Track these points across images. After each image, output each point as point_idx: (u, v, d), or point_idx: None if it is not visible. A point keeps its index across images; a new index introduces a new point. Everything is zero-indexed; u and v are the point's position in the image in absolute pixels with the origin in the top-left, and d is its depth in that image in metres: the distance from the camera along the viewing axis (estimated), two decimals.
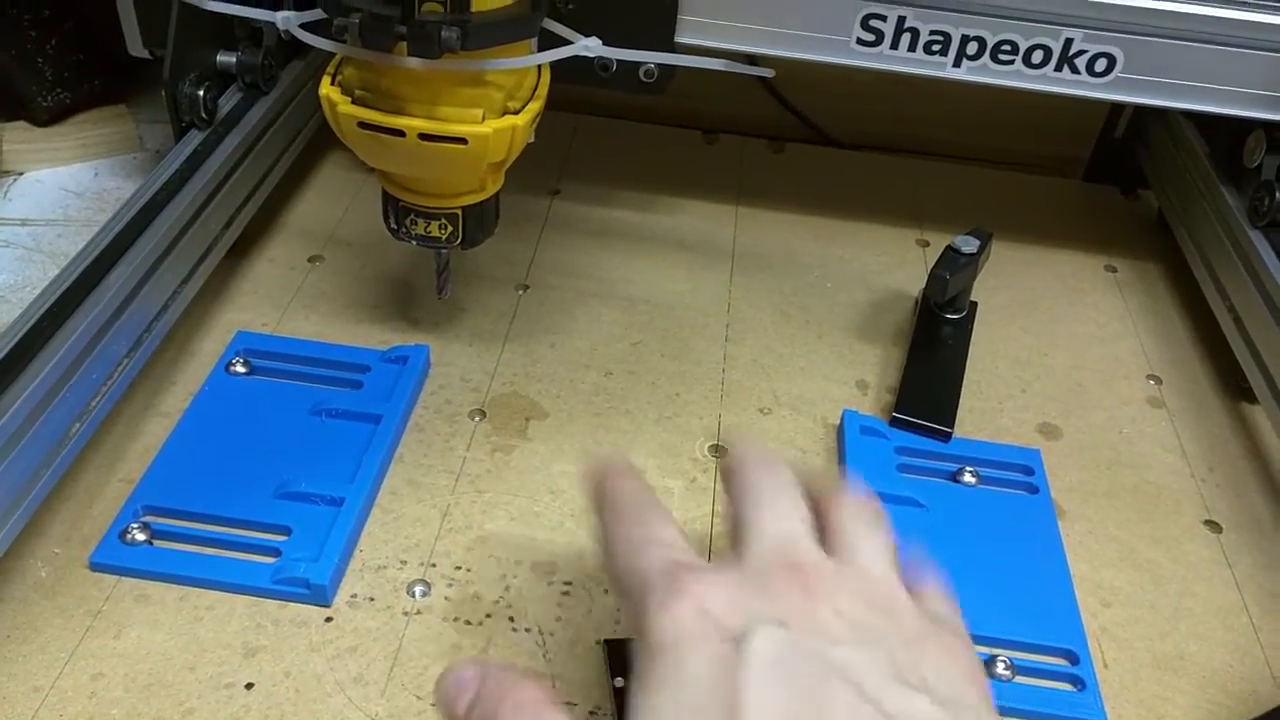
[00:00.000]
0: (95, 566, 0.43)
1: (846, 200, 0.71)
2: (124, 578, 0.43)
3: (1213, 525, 0.51)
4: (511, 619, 0.43)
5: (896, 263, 0.66)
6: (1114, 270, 0.68)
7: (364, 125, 0.44)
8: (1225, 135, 0.63)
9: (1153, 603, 0.47)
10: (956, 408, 0.54)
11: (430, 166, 0.45)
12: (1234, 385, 0.59)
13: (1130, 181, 0.76)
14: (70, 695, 0.39)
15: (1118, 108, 0.74)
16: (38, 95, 0.71)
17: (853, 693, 0.28)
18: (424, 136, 0.43)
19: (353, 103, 0.44)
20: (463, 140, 0.43)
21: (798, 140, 0.78)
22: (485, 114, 0.44)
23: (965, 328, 0.58)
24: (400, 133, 0.43)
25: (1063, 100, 0.56)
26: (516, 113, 0.45)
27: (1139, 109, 0.73)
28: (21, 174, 0.70)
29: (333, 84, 0.45)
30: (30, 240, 0.64)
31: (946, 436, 0.52)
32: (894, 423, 0.53)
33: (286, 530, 0.45)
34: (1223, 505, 0.52)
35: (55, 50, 0.71)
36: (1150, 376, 0.60)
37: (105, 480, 0.47)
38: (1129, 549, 0.49)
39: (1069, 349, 0.61)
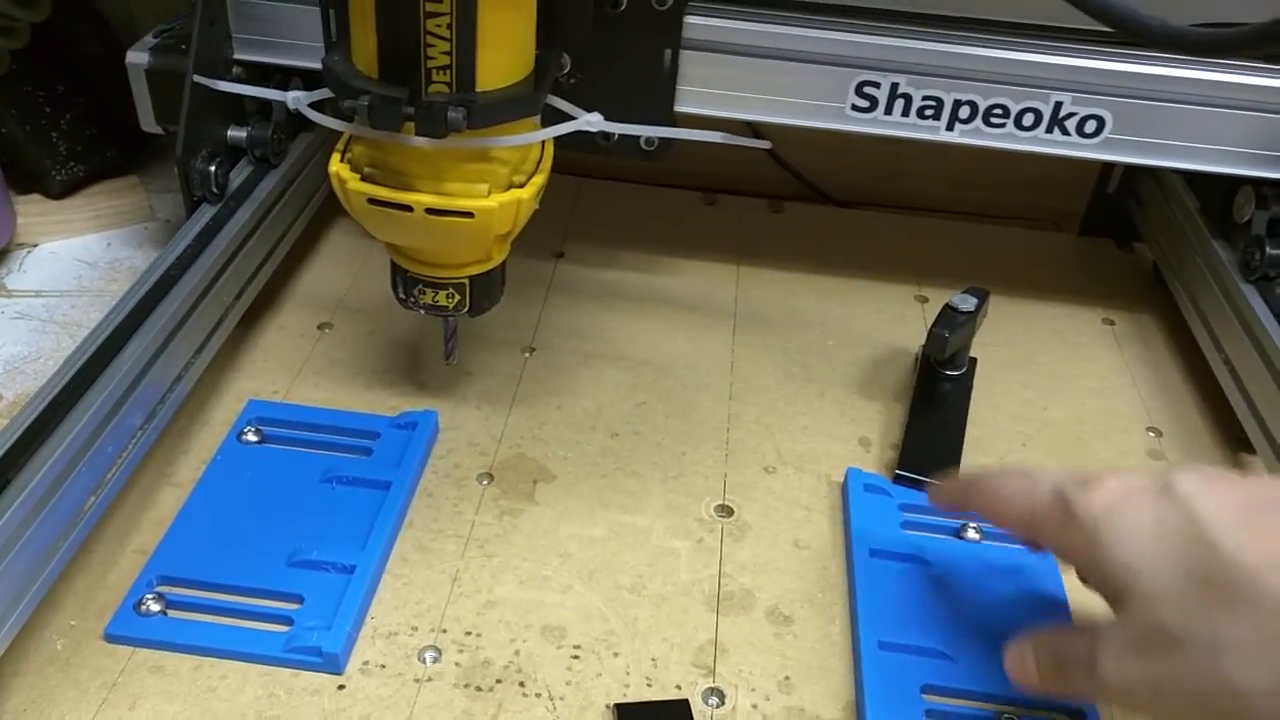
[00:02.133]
0: (110, 638, 0.44)
1: (846, 258, 0.73)
2: (139, 649, 0.44)
3: None
4: (522, 684, 0.44)
5: (896, 319, 0.67)
6: (1111, 323, 0.69)
7: (373, 201, 0.45)
8: (1215, 191, 0.64)
9: None
10: (959, 463, 0.55)
11: (437, 239, 0.47)
12: (1232, 436, 0.60)
13: (1125, 235, 0.77)
14: None
15: (1110, 164, 0.75)
16: (51, 169, 0.73)
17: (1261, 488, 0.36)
18: (431, 211, 0.44)
19: (362, 180, 0.45)
20: (469, 214, 0.45)
21: (796, 199, 0.79)
22: (491, 189, 0.45)
23: (964, 383, 0.59)
24: (408, 208, 0.44)
25: (1056, 158, 0.58)
26: (521, 186, 0.46)
27: (1129, 166, 0.74)
28: (36, 245, 0.71)
29: (342, 161, 0.46)
30: (44, 312, 0.65)
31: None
32: (897, 480, 0.54)
33: (299, 599, 0.45)
34: None
35: (68, 125, 0.73)
36: (1150, 429, 0.60)
37: (119, 551, 0.48)
38: None
39: (1068, 402, 0.62)
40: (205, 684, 0.42)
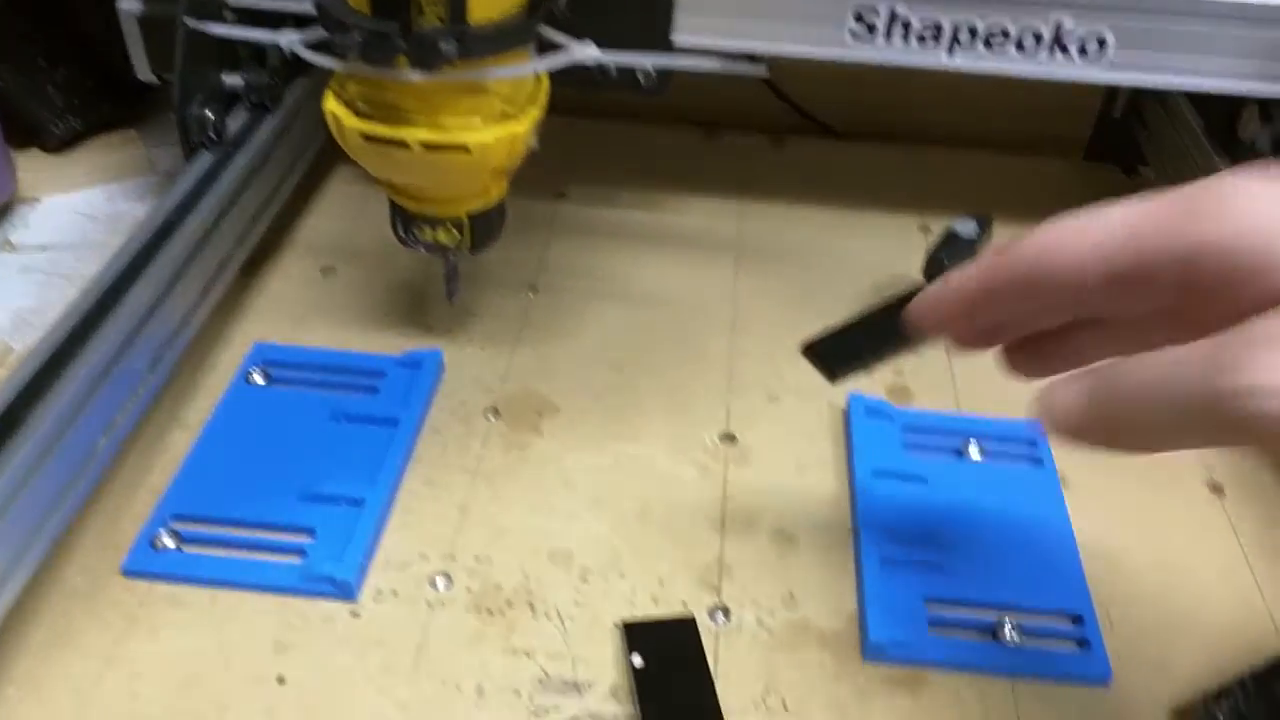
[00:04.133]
0: (128, 573, 0.45)
1: (848, 191, 0.72)
2: (156, 583, 0.45)
3: (1215, 488, 0.52)
4: (532, 605, 0.45)
5: (899, 249, 0.67)
6: None
7: (368, 138, 0.45)
8: (1220, 111, 0.64)
9: (1156, 564, 0.48)
10: (862, 365, 0.54)
11: (434, 175, 0.47)
12: None
13: (1131, 160, 0.76)
14: (111, 695, 0.40)
15: (1114, 89, 0.75)
16: (49, 123, 0.73)
17: None
18: (427, 146, 0.45)
19: (356, 116, 0.45)
20: (465, 148, 0.45)
21: (798, 134, 0.79)
22: (486, 122, 0.45)
23: None
24: (404, 144, 0.45)
25: (1058, 81, 0.57)
26: (516, 119, 0.46)
27: (1134, 90, 0.74)
28: (38, 200, 0.72)
29: (336, 100, 0.46)
30: (49, 265, 0.66)
31: (833, 379, 0.51)
32: (803, 353, 0.53)
33: (311, 531, 0.46)
34: (1226, 468, 0.53)
35: (65, 78, 0.73)
36: None
37: (134, 491, 0.49)
38: (1133, 514, 0.50)
39: None
40: (222, 614, 0.44)
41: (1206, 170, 0.63)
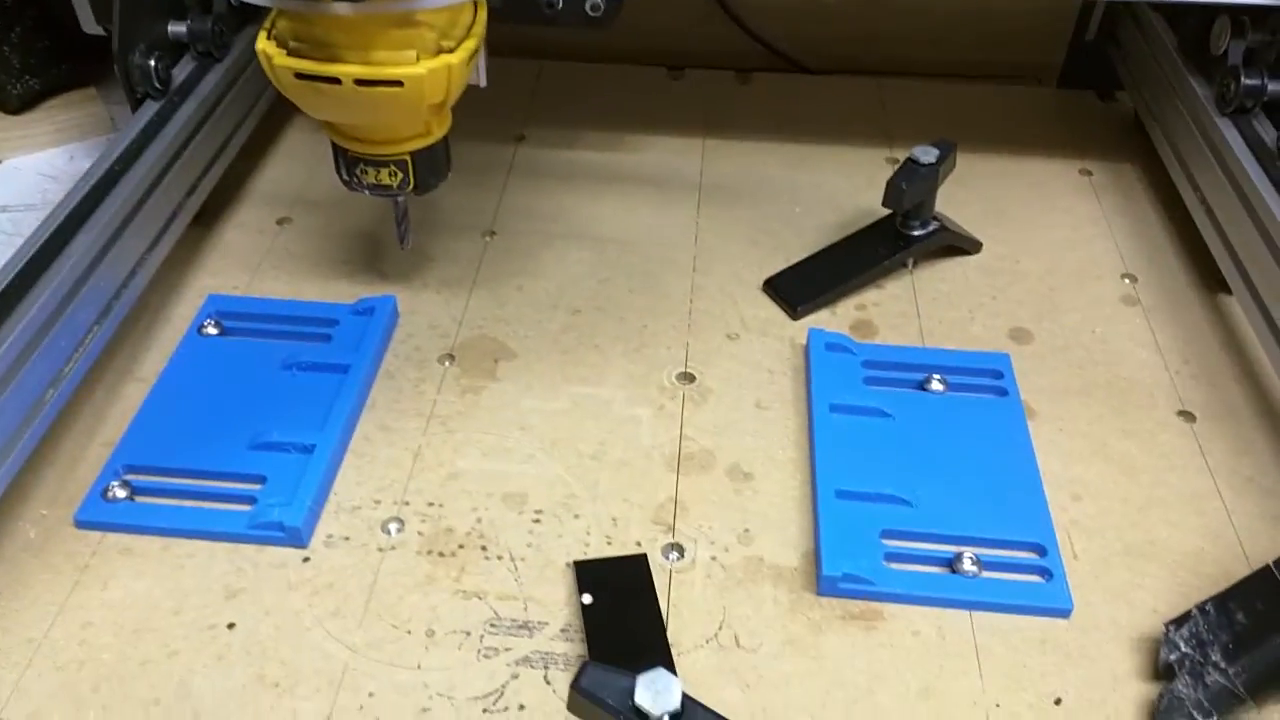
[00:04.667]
0: (80, 524, 0.45)
1: (816, 125, 0.71)
2: (108, 533, 0.44)
3: (1186, 415, 0.51)
4: (484, 548, 0.44)
5: (865, 183, 0.66)
6: (1089, 174, 0.67)
7: (300, 76, 0.44)
8: (1193, 25, 0.62)
9: (1124, 494, 0.47)
10: (824, 299, 0.56)
11: (370, 112, 0.46)
12: (1210, 278, 0.59)
13: (1106, 85, 0.75)
14: (62, 644, 0.40)
15: (1087, 9, 0.73)
16: (6, 83, 0.72)
17: None
18: (360, 82, 0.43)
19: (287, 54, 0.44)
20: (398, 83, 0.43)
21: (767, 71, 0.77)
22: (419, 55, 0.44)
23: (900, 245, 0.58)
24: (336, 80, 0.43)
25: (1031, 5, 0.55)
26: (451, 51, 0.45)
27: (1108, 9, 0.72)
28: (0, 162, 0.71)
29: (267, 38, 0.45)
30: (10, 226, 0.65)
31: (794, 314, 0.55)
32: (764, 288, 0.57)
33: (261, 479, 0.46)
34: (1197, 395, 0.52)
35: (20, 38, 0.72)
36: (1125, 275, 0.59)
37: (86, 445, 0.48)
38: (1101, 444, 0.49)
39: (1041, 254, 0.61)
40: (174, 562, 0.43)
41: (1180, 91, 0.62)
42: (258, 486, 0.45)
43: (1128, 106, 0.73)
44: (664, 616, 0.42)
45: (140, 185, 0.52)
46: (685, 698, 0.32)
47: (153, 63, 0.55)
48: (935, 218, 0.58)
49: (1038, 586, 0.43)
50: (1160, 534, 0.46)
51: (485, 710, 0.39)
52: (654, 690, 0.31)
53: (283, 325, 0.53)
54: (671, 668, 0.39)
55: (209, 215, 0.61)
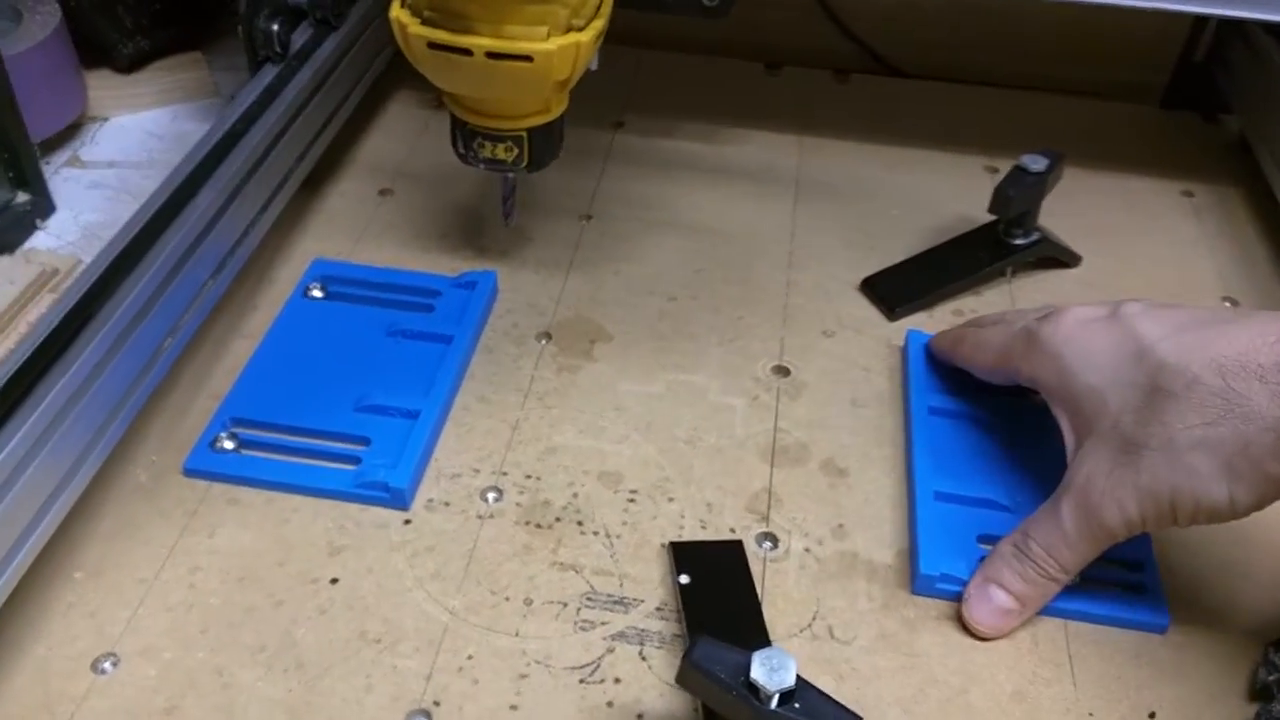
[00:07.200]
0: (189, 472, 0.46)
1: (913, 130, 0.71)
2: (215, 483, 0.45)
3: None
4: (580, 523, 0.45)
5: (964, 189, 0.65)
6: (1191, 195, 0.67)
7: (433, 46, 0.45)
8: None
9: None
10: (921, 302, 0.56)
11: (497, 86, 0.46)
12: None
13: (1210, 106, 0.73)
14: (172, 586, 0.42)
15: (1197, 30, 0.72)
16: (118, 43, 0.73)
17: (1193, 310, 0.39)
18: (491, 55, 0.44)
19: (422, 24, 0.45)
20: (528, 58, 0.44)
21: (863, 72, 0.77)
22: (550, 31, 0.44)
23: (1006, 252, 0.57)
24: (468, 52, 0.44)
25: (1139, 23, 0.55)
26: (580, 30, 0.45)
27: (1219, 31, 0.71)
28: (107, 119, 0.73)
29: (402, 7, 0.46)
30: (117, 181, 0.67)
31: (891, 315, 0.56)
32: (861, 288, 0.57)
33: (366, 440, 0.46)
34: None
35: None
36: (1225, 298, 0.59)
37: (195, 396, 0.50)
38: None
39: (1140, 272, 0.60)
40: (278, 515, 0.44)
41: None
42: (362, 447, 0.46)
43: (1232, 129, 0.72)
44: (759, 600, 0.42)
45: (258, 148, 0.53)
46: (799, 678, 0.32)
47: (275, 27, 0.57)
48: (1038, 228, 0.58)
49: (1134, 600, 0.43)
50: (1259, 552, 0.45)
51: (582, 681, 0.39)
52: (769, 667, 0.31)
53: (386, 293, 0.54)
54: None
55: (314, 182, 0.62)
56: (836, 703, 0.32)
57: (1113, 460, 0.39)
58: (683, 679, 0.33)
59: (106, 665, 0.39)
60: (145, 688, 0.38)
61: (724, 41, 0.76)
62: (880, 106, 0.73)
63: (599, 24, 0.46)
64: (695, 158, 0.67)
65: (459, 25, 0.44)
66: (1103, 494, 0.39)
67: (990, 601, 0.41)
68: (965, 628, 0.41)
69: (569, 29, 0.45)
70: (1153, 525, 0.38)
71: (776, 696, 0.31)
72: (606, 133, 0.69)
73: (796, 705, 0.31)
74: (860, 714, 0.32)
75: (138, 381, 0.44)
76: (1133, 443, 0.38)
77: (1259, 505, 0.36)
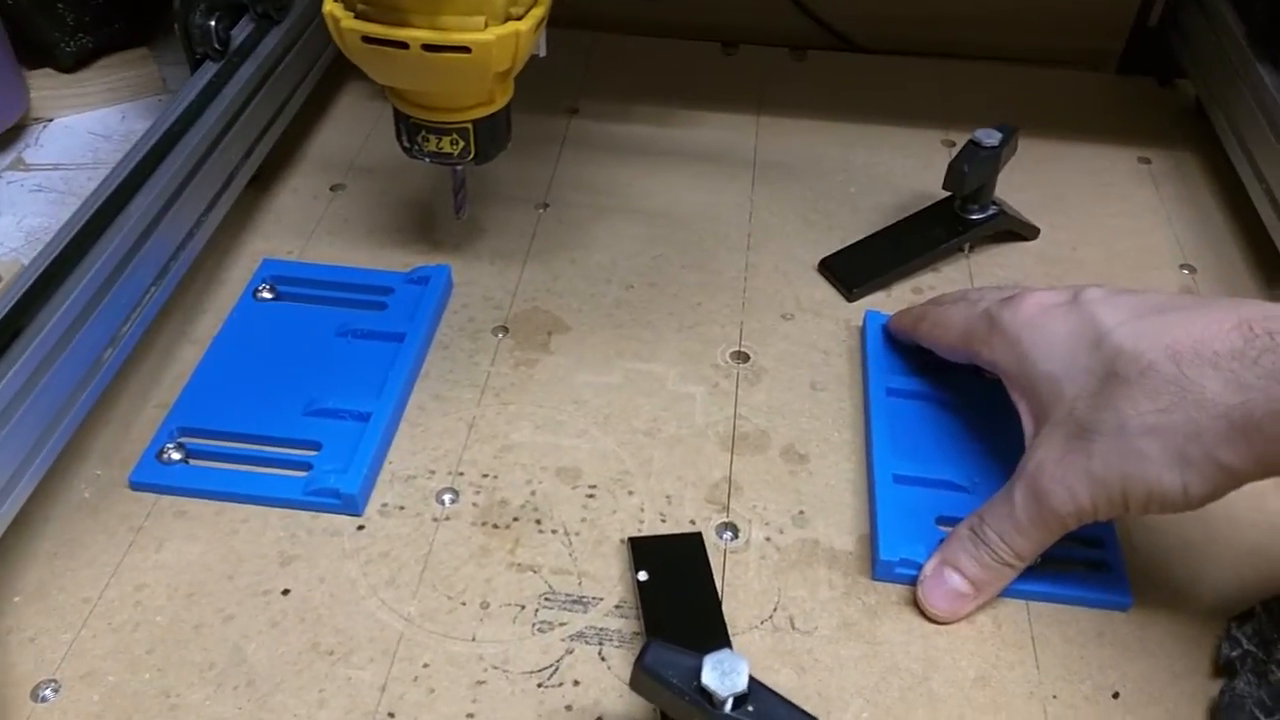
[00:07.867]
0: (135, 486, 0.45)
1: (871, 105, 0.70)
2: (163, 495, 0.45)
3: None
4: (538, 521, 0.44)
5: (922, 165, 0.65)
6: (1148, 162, 0.66)
7: (368, 39, 0.44)
8: (1263, 12, 0.60)
9: None
10: (879, 281, 0.56)
11: (436, 79, 0.45)
12: (1270, 270, 0.58)
13: (1166, 72, 0.73)
14: (117, 605, 0.41)
15: None
16: (60, 41, 0.72)
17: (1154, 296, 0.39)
18: (427, 47, 0.43)
19: (355, 18, 0.44)
20: (466, 49, 0.43)
21: (821, 49, 0.76)
22: (488, 21, 0.43)
23: (959, 228, 0.57)
24: (404, 45, 0.43)
25: None
26: (520, 18, 0.44)
27: None
28: (51, 120, 0.71)
29: (335, 1, 0.44)
30: (62, 184, 0.66)
31: (849, 296, 0.55)
32: (820, 269, 0.56)
33: (316, 445, 0.46)
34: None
35: None
36: (1184, 266, 0.58)
37: (141, 406, 0.49)
38: None
39: (1099, 242, 0.60)
40: (228, 527, 0.44)
41: (1247, 79, 0.60)
42: (313, 453, 0.45)
43: (1187, 94, 0.71)
44: (719, 594, 0.41)
45: (199, 147, 0.52)
46: (752, 680, 0.31)
47: (213, 23, 0.55)
48: (994, 202, 0.57)
49: (1096, 579, 0.43)
50: (1221, 529, 0.45)
51: (540, 685, 0.39)
52: (720, 671, 0.31)
53: (337, 292, 0.53)
54: (728, 648, 0.38)
55: (263, 179, 0.61)
56: (790, 704, 0.32)
57: (1065, 446, 0.38)
58: (635, 685, 0.33)
59: (47, 693, 0.38)
60: (88, 714, 0.37)
61: (681, 23, 0.75)
62: (837, 83, 0.72)
63: (539, 11, 0.45)
64: (652, 141, 0.66)
65: (393, 18, 0.43)
66: (1053, 480, 0.38)
67: (945, 585, 0.41)
68: (922, 611, 0.41)
69: (507, 18, 0.44)
70: (1104, 513, 0.38)
71: (730, 701, 0.31)
72: (561, 119, 0.68)
73: (750, 709, 0.31)
74: (821, 708, 0.32)
75: (77, 393, 0.43)
76: (1085, 428, 0.37)
77: (1213, 495, 0.36)
